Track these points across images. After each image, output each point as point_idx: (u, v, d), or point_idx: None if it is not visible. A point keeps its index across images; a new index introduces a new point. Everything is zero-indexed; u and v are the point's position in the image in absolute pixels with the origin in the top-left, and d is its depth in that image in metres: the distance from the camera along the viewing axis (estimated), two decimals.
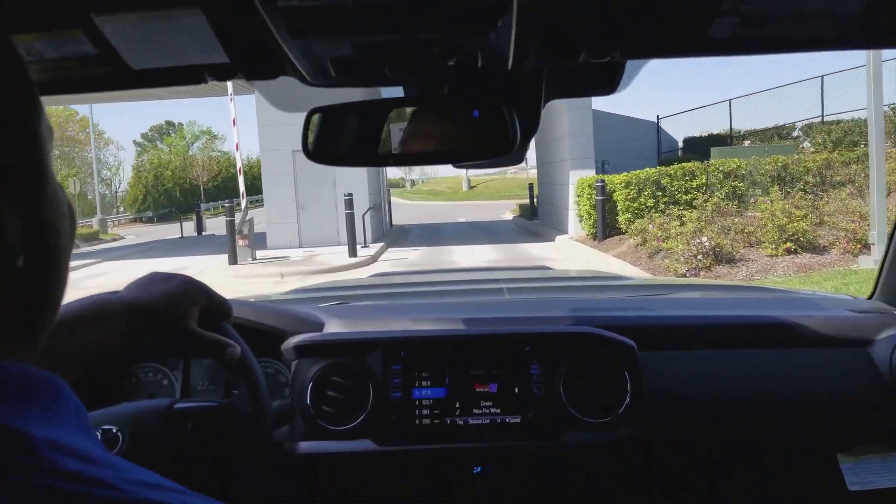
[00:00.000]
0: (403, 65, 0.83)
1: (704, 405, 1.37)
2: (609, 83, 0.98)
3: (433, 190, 57.01)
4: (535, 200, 20.28)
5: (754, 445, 1.41)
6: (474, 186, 51.90)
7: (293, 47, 0.74)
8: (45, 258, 0.43)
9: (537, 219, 19.31)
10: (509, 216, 26.25)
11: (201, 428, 0.97)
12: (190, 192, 51.05)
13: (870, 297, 1.63)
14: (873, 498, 1.39)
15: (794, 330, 1.44)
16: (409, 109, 0.96)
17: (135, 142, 54.24)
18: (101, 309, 0.79)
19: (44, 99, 0.45)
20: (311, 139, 0.92)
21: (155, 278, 0.87)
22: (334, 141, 0.94)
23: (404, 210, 31.28)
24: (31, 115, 0.42)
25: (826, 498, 1.44)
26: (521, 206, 24.60)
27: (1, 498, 0.33)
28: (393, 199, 42.32)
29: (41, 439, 0.36)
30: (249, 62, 0.81)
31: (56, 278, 0.44)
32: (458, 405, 1.29)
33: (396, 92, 0.96)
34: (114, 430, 0.90)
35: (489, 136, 0.91)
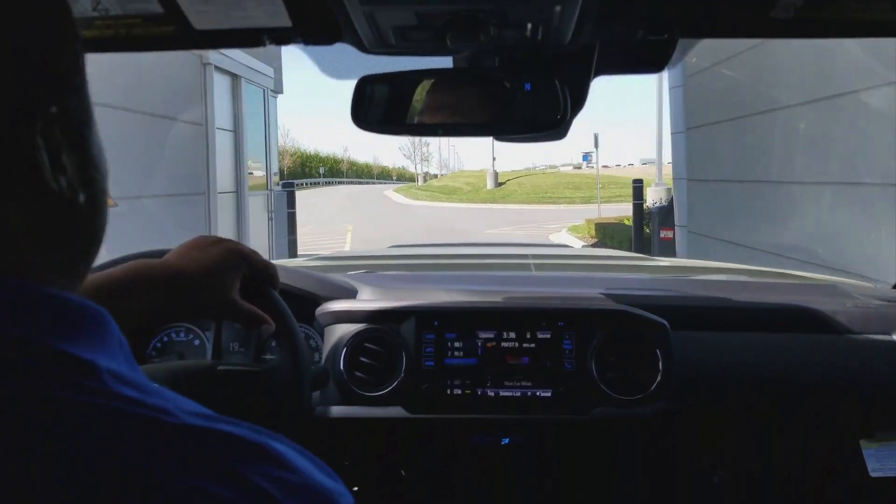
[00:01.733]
0: (464, 34, 0.83)
1: (731, 386, 1.38)
2: (659, 61, 0.98)
3: (448, 187, 43.77)
4: (652, 218, 10.61)
5: (779, 428, 1.43)
6: (503, 184, 38.37)
7: (358, 13, 0.74)
8: (94, 197, 0.43)
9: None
10: (569, 239, 15.11)
11: (241, 392, 0.98)
12: None
13: (895, 287, 1.64)
14: (895, 484, 1.41)
15: (821, 316, 1.46)
16: (459, 81, 0.95)
17: None
18: (144, 274, 0.79)
19: None
20: (360, 107, 0.93)
21: (199, 243, 0.87)
22: (383, 109, 0.94)
23: (400, 216, 23.61)
24: (81, 57, 0.42)
25: (848, 483, 1.45)
26: (599, 226, 14.81)
27: (71, 420, 0.34)
28: (394, 195, 38.80)
29: (103, 367, 0.37)
30: (311, 26, 0.81)
31: (101, 218, 0.45)
32: (489, 377, 1.30)
33: (446, 62, 0.96)
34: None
35: (540, 110, 0.92)
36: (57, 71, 0.39)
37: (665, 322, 1.33)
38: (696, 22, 0.87)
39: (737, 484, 1.49)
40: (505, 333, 1.32)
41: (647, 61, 0.99)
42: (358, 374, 1.29)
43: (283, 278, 1.27)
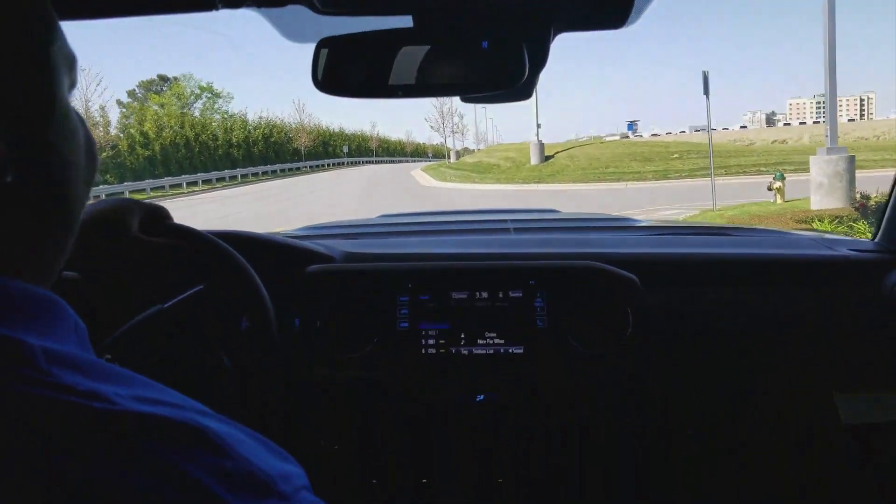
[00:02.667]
0: None
1: (704, 340, 1.40)
2: (619, 17, 0.97)
3: (483, 164, 34.92)
4: None
5: (752, 380, 1.45)
6: (550, 157, 30.05)
7: None
8: (46, 183, 0.43)
9: None
10: None
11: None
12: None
13: (872, 239, 1.64)
14: (867, 432, 1.44)
15: (796, 268, 1.47)
16: (420, 40, 0.95)
17: (119, 101, 47.39)
18: None
19: None
20: (320, 71, 0.93)
21: (90, 203, 0.93)
22: (343, 72, 0.94)
23: (420, 204, 17.92)
24: (39, 31, 0.42)
25: (822, 433, 1.48)
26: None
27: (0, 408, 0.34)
28: (420, 176, 32.12)
29: (38, 348, 0.37)
30: None
31: (63, 208, 0.45)
32: (463, 336, 1.33)
33: (405, 22, 0.96)
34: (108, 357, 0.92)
35: (498, 69, 0.91)
36: None
37: (634, 277, 1.34)
38: None
39: (710, 437, 1.51)
40: (478, 293, 1.34)
41: (607, 17, 0.98)
42: (335, 336, 1.31)
43: (261, 246, 1.31)
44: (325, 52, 0.92)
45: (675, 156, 26.15)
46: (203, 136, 46.84)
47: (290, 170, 51.47)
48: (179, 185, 32.65)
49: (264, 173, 44.36)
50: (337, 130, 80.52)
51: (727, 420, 1.51)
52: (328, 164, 62.29)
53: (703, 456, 1.52)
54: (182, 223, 1.00)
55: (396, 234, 1.89)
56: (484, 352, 1.33)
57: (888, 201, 1.57)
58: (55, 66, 0.43)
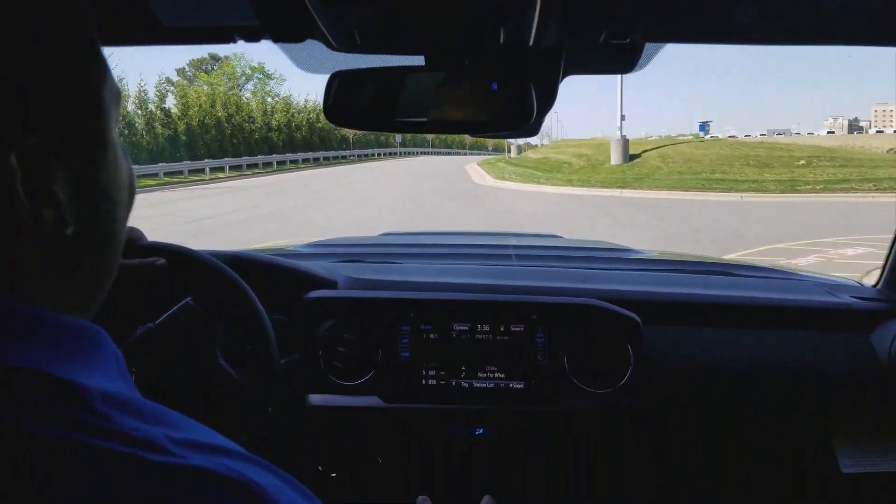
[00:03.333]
0: (427, 35, 0.84)
1: (703, 381, 1.40)
2: (627, 63, 0.99)
3: (549, 161, 29.19)
4: None
5: (751, 423, 1.44)
6: (636, 156, 24.21)
7: (321, 11, 0.75)
8: (98, 226, 0.42)
9: None
10: None
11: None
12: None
13: (875, 286, 1.63)
14: (866, 481, 1.42)
15: (796, 314, 1.46)
16: (429, 78, 0.97)
17: (167, 79, 41.74)
18: None
19: None
20: (331, 101, 0.95)
21: None
22: (354, 104, 0.96)
23: (471, 209, 14.39)
24: (92, 76, 0.41)
25: (820, 479, 1.47)
26: None
27: (55, 455, 0.34)
28: (474, 171, 27.69)
29: (95, 391, 0.36)
30: (278, 24, 0.83)
31: (109, 246, 0.44)
32: (464, 368, 1.33)
33: (418, 61, 0.98)
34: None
35: (507, 109, 0.93)
36: (37, 99, 0.38)
37: (636, 317, 1.34)
38: (658, 27, 0.86)
39: (708, 478, 1.51)
40: (479, 326, 1.35)
41: (616, 63, 0.99)
42: (335, 363, 1.32)
43: (263, 269, 1.33)
44: (337, 83, 0.93)
45: (801, 162, 21.34)
46: (237, 118, 41.66)
47: (335, 158, 48.55)
48: (201, 171, 28.91)
49: (304, 161, 41.64)
50: None
51: (726, 461, 1.50)
52: (378, 154, 59.35)
53: (702, 497, 1.52)
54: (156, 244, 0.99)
55: (399, 256, 1.91)
56: (484, 385, 1.33)
57: (891, 248, 1.56)
58: (107, 108, 0.42)
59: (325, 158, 46.58)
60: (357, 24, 0.83)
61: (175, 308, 1.00)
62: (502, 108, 0.94)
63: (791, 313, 1.47)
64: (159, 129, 34.36)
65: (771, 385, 1.40)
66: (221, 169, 30.54)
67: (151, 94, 35.86)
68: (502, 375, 1.33)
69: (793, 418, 1.44)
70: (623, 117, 26.74)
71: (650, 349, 1.35)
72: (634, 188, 18.57)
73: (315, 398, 1.32)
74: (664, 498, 1.51)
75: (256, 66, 51.90)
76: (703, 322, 1.46)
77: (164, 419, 0.39)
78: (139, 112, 34.03)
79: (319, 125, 52.88)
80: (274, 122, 46.73)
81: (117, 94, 0.44)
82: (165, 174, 26.02)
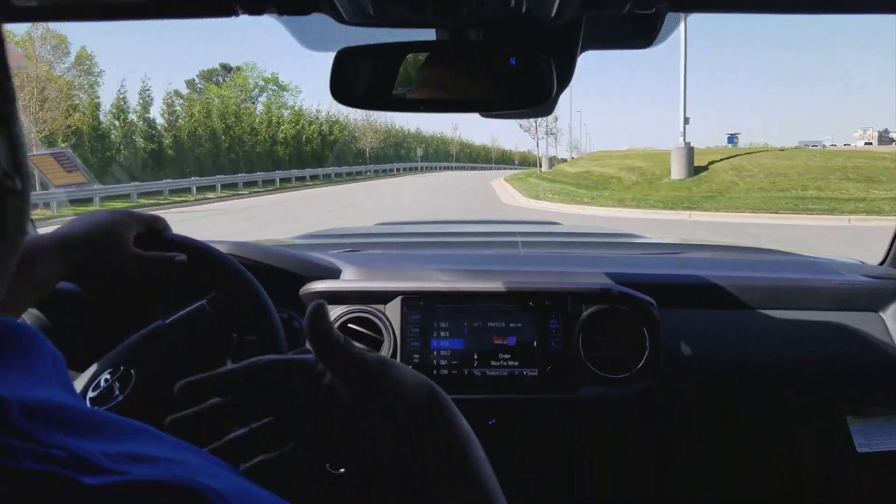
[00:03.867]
0: (445, 5, 0.80)
1: (718, 363, 1.38)
2: (648, 35, 0.95)
3: (592, 174, 24.60)
4: None
5: (765, 404, 1.43)
6: (703, 168, 20.35)
7: None
8: (25, 182, 0.38)
9: None
10: None
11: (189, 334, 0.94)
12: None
13: (881, 263, 1.64)
14: (882, 459, 1.42)
15: (808, 293, 1.46)
16: (444, 54, 0.93)
17: (176, 92, 37.74)
18: (31, 247, 0.80)
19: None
20: (338, 80, 0.91)
21: (84, 215, 0.89)
22: (364, 83, 0.91)
23: None
24: None
25: (834, 458, 1.46)
26: None
27: None
28: (502, 188, 23.50)
29: (14, 403, 0.31)
30: None
31: (28, 205, 0.39)
32: (475, 357, 1.30)
33: (429, 36, 0.94)
34: (122, 369, 0.89)
35: (524, 85, 0.88)
36: None
37: (652, 300, 1.32)
38: None
39: (722, 461, 1.49)
40: (491, 313, 1.31)
41: (636, 35, 0.97)
42: None
43: (264, 259, 1.28)
44: (344, 62, 0.90)
45: None
46: (236, 130, 37.65)
47: (349, 174, 42.53)
48: (188, 191, 24.91)
49: (313, 177, 36.59)
50: (413, 131, 72.76)
51: (741, 443, 1.49)
52: (397, 170, 53.50)
53: (718, 480, 1.50)
54: (178, 237, 0.94)
55: (402, 245, 1.88)
56: (497, 374, 1.30)
57: None
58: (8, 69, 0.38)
59: (338, 175, 41.58)
60: None
61: (189, 309, 0.94)
62: (521, 84, 0.89)
63: (803, 293, 1.46)
64: (140, 141, 30.97)
65: (786, 365, 1.39)
66: (213, 188, 26.77)
67: (134, 102, 32.26)
68: (515, 363, 1.30)
69: (807, 398, 1.43)
70: (687, 120, 21.41)
71: (665, 332, 1.33)
72: (706, 209, 15.03)
73: None
74: (682, 482, 1.50)
75: (269, 76, 49.11)
76: (717, 304, 1.44)
77: (103, 429, 0.34)
78: (116, 123, 30.62)
79: (332, 137, 49.67)
80: (280, 135, 42.69)
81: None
82: (140, 195, 22.64)
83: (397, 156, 63.47)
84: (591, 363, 1.29)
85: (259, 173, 32.97)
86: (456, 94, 0.92)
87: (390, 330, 1.29)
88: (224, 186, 27.33)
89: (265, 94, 48.84)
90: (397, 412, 0.56)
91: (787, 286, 1.47)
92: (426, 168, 61.18)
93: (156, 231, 0.93)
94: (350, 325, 1.30)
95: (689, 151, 20.24)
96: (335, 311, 1.30)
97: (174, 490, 0.31)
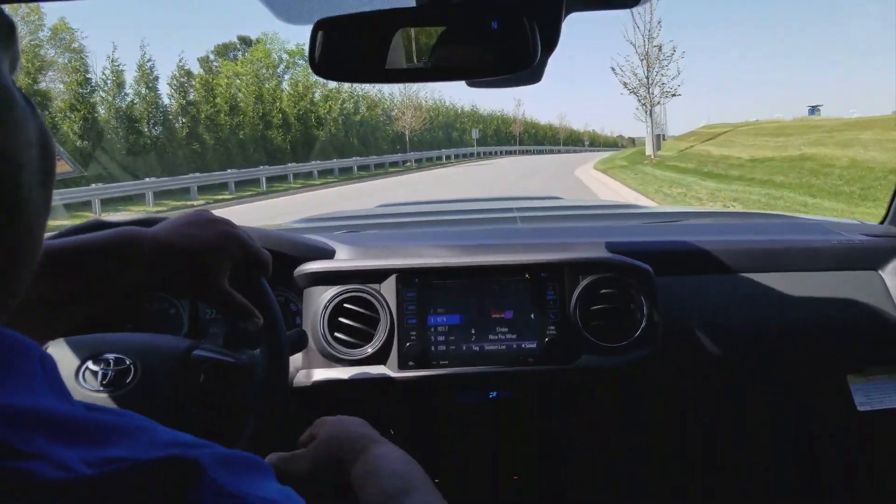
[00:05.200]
0: None
1: (719, 327, 1.38)
2: None
3: (727, 161, 18.42)
4: None
5: (766, 367, 1.42)
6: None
7: None
8: None
9: None
10: None
11: (214, 381, 0.91)
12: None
13: (881, 223, 1.64)
14: (882, 417, 1.42)
15: (807, 254, 1.45)
16: (424, 21, 0.91)
17: (186, 71, 28.28)
18: (130, 244, 0.72)
19: None
20: (318, 53, 0.89)
21: (194, 220, 0.79)
22: (342, 55, 0.89)
23: None
24: None
25: (835, 418, 1.47)
26: None
27: None
28: (600, 182, 17.46)
29: None
30: None
31: (17, 223, 0.36)
32: (473, 332, 1.29)
33: (409, 2, 0.92)
34: (127, 362, 0.87)
35: (508, 50, 0.86)
36: None
37: (649, 268, 1.31)
38: None
39: (725, 426, 1.49)
40: (488, 287, 1.30)
41: None
42: (339, 335, 1.27)
43: (259, 241, 1.28)
44: (322, 34, 0.87)
45: None
46: (206, 109, 27.67)
47: (377, 167, 32.28)
48: (112, 202, 17.31)
49: (325, 173, 27.67)
50: (468, 109, 59.63)
51: (741, 407, 1.49)
52: (447, 157, 42.13)
53: (718, 444, 1.50)
54: (269, 288, 0.87)
55: (399, 225, 1.85)
56: (496, 348, 1.29)
57: None
58: None
59: (362, 168, 30.63)
60: None
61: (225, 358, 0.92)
62: (504, 49, 0.86)
63: (802, 254, 1.46)
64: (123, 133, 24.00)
65: (786, 327, 1.39)
66: (170, 193, 19.76)
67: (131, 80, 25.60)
68: (514, 336, 1.29)
69: (808, 358, 1.42)
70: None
71: (664, 299, 1.32)
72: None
73: (320, 373, 1.27)
74: (681, 449, 1.50)
75: (295, 48, 37.48)
76: (716, 269, 1.43)
77: (87, 433, 0.33)
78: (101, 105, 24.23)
79: (358, 118, 38.24)
80: (275, 116, 31.14)
81: (7, 29, 0.36)
82: (159, 194, 18.66)
83: (448, 139, 50.62)
84: (589, 333, 1.29)
85: (231, 172, 23.30)
86: (438, 62, 0.90)
87: (386, 308, 1.28)
88: (166, 191, 19.66)
89: (291, 70, 38.10)
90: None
91: (787, 248, 1.46)
92: (484, 154, 49.36)
93: (257, 269, 0.85)
94: (346, 305, 1.28)
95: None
96: (330, 292, 1.29)
97: (162, 463, 0.31)
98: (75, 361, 0.86)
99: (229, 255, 0.78)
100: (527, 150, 60.92)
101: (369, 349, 1.27)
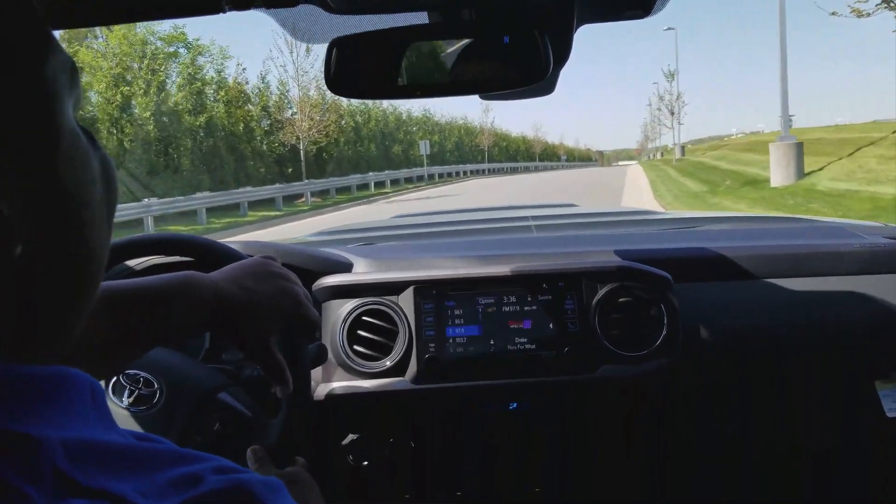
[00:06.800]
0: None
1: (741, 334, 1.36)
2: (644, 5, 0.92)
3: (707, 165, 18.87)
4: None
5: (791, 374, 1.41)
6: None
7: None
8: (60, 238, 0.34)
9: None
10: None
11: (226, 431, 0.91)
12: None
13: None
14: None
15: (830, 258, 1.43)
16: (437, 37, 0.92)
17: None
18: (190, 291, 0.71)
19: None
20: (332, 70, 0.91)
21: (256, 271, 0.79)
22: (357, 73, 0.90)
23: None
24: (33, 55, 0.32)
25: (863, 425, 1.44)
26: None
27: None
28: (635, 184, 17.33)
29: (60, 446, 0.31)
30: None
31: (82, 263, 0.36)
32: (492, 342, 1.29)
33: (422, 19, 0.93)
34: (155, 385, 0.88)
35: (520, 64, 0.87)
36: None
37: (667, 275, 1.30)
38: None
39: (748, 435, 1.47)
40: (505, 298, 1.30)
41: (632, 5, 0.92)
42: (358, 348, 1.28)
43: (277, 256, 1.28)
44: (337, 51, 0.89)
45: None
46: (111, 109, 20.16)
47: (376, 185, 26.59)
48: (163, 219, 15.77)
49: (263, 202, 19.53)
50: (418, 116, 44.69)
51: (767, 415, 1.47)
52: (374, 185, 27.60)
53: (741, 452, 1.48)
54: (307, 359, 0.88)
55: (415, 236, 1.86)
56: (515, 358, 1.29)
57: None
58: (53, 88, 0.33)
59: (363, 186, 25.45)
60: None
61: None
62: (516, 63, 0.88)
63: (824, 258, 1.43)
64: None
65: (810, 333, 1.37)
66: (223, 209, 18.07)
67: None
68: (533, 346, 1.29)
69: (833, 365, 1.40)
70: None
71: (684, 307, 1.31)
72: None
73: (340, 386, 1.27)
74: (707, 457, 1.48)
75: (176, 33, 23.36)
76: (736, 275, 1.41)
77: (139, 464, 0.33)
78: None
79: (372, 127, 30.71)
80: (218, 114, 23.51)
81: (70, 68, 0.35)
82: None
83: (384, 157, 36.03)
84: (608, 342, 1.28)
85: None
86: (451, 77, 0.91)
87: (404, 320, 1.29)
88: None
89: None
90: None
91: (808, 253, 1.44)
92: (439, 177, 36.99)
93: (305, 336, 0.86)
94: (364, 318, 1.29)
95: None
96: (349, 305, 1.30)
97: (224, 494, 0.32)
98: None
99: (283, 311, 0.78)
100: (498, 169, 49.65)
101: (388, 362, 1.27)
